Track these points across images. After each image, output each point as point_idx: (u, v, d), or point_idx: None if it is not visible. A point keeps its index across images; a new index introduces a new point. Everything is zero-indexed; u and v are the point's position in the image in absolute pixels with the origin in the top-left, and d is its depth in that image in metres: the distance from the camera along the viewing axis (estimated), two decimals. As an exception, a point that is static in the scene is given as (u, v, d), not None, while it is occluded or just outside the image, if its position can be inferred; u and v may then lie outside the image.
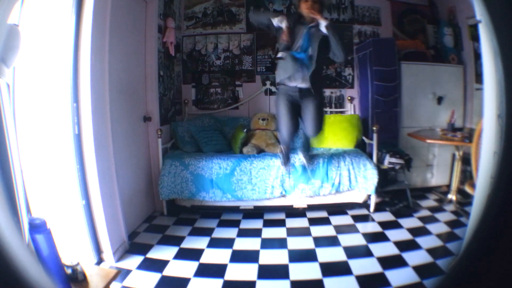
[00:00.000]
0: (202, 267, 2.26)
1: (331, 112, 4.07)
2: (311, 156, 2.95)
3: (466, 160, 3.10)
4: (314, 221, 2.98)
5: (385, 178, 3.23)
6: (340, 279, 2.06)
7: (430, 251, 2.34)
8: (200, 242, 2.61)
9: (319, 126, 2.60)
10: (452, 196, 3.22)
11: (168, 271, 2.21)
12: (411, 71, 3.54)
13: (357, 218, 3.00)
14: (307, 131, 2.64)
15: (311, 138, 2.74)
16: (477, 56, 3.31)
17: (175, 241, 2.65)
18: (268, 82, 4.03)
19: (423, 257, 2.26)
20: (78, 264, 1.41)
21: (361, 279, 2.04)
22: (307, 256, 2.36)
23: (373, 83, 3.52)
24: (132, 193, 2.84)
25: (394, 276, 2.05)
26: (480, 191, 1.64)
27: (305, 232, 2.77)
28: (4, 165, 1.07)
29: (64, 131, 2.04)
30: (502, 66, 0.73)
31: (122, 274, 2.10)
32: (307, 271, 2.18)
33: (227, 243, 2.60)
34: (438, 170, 3.63)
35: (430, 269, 2.12)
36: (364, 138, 3.50)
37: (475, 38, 3.32)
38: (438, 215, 2.98)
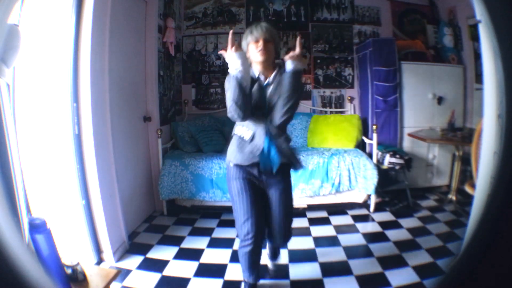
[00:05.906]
0: (202, 267, 2.26)
1: (331, 112, 4.08)
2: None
3: (466, 160, 3.10)
4: (314, 221, 2.98)
5: (385, 178, 3.23)
6: (340, 279, 2.06)
7: (430, 251, 2.34)
8: (200, 242, 2.61)
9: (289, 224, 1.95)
10: (452, 196, 3.22)
11: (168, 271, 2.21)
12: (411, 71, 3.54)
13: (357, 218, 3.00)
14: (275, 235, 1.93)
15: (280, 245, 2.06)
16: (477, 56, 3.31)
17: (175, 241, 2.65)
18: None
19: (423, 257, 2.26)
20: (78, 264, 1.41)
21: (361, 279, 2.04)
22: (307, 256, 2.37)
23: (373, 83, 3.52)
24: (132, 193, 2.84)
25: (394, 276, 2.05)
26: (480, 191, 1.64)
27: (305, 232, 2.77)
28: (4, 165, 1.07)
29: (64, 131, 2.05)
30: (502, 66, 0.73)
31: (122, 274, 2.10)
32: (307, 271, 2.18)
33: (227, 243, 2.60)
34: (438, 170, 3.63)
35: (430, 269, 2.12)
36: (364, 138, 3.50)
37: (475, 38, 3.32)
38: (438, 215, 2.98)
